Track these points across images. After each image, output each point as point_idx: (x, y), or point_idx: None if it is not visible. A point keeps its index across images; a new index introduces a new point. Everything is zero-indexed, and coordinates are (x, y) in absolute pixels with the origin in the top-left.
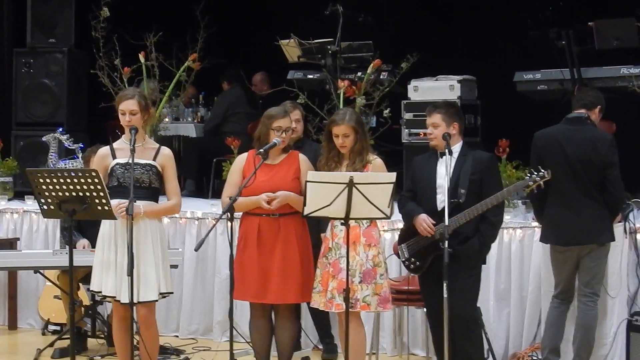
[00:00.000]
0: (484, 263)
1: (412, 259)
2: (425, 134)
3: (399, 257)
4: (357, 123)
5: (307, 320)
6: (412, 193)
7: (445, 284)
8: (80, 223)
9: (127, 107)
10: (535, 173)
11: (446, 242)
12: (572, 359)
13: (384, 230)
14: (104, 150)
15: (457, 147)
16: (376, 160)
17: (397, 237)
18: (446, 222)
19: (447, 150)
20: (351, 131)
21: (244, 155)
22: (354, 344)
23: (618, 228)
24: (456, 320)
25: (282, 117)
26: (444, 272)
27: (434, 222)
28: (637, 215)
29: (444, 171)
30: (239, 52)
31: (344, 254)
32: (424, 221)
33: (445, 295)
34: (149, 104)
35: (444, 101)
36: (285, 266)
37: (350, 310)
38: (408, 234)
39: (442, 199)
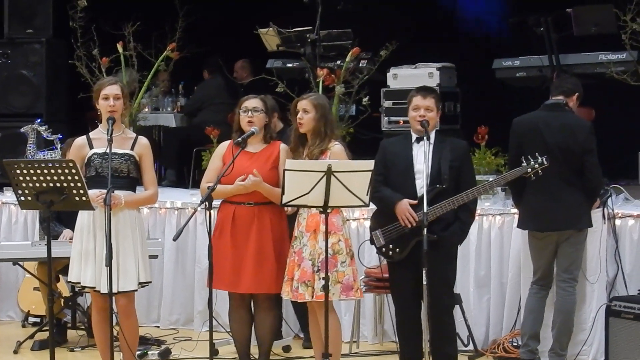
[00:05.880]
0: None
1: (391, 246)
2: (405, 121)
3: (372, 244)
4: (320, 104)
5: (288, 310)
6: (383, 177)
7: (424, 271)
8: (59, 214)
9: (112, 92)
10: (533, 160)
11: (425, 229)
12: (552, 344)
13: (364, 218)
14: (81, 140)
15: (433, 133)
16: (335, 147)
17: None
18: (425, 209)
19: (424, 136)
20: (311, 108)
21: (225, 143)
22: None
23: (596, 214)
24: (435, 308)
25: (247, 99)
26: (423, 259)
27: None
28: (615, 201)
29: (422, 157)
30: (218, 42)
31: (306, 243)
32: (407, 210)
33: (424, 283)
34: (128, 93)
35: (430, 87)
36: (259, 256)
37: (311, 300)
38: (383, 219)
39: (421, 185)
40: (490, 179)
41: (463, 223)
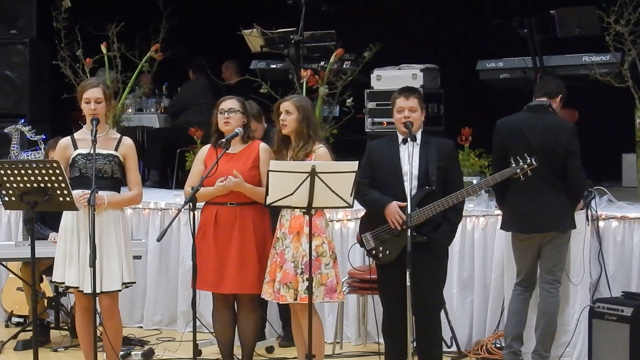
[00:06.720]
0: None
1: (381, 248)
2: (388, 122)
3: (362, 247)
4: (303, 106)
5: (271, 311)
6: (370, 180)
7: (408, 272)
8: (43, 215)
9: (93, 95)
10: (522, 161)
11: (408, 230)
12: (535, 346)
13: (347, 220)
14: (65, 140)
15: (419, 134)
16: (320, 150)
17: None
18: (409, 210)
19: (409, 138)
20: (294, 109)
21: (207, 146)
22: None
23: (580, 215)
24: (424, 310)
25: (223, 100)
26: (407, 260)
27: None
28: (599, 202)
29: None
30: (202, 43)
31: (289, 244)
32: (396, 212)
33: (408, 284)
34: (111, 94)
35: (412, 87)
36: (242, 256)
37: (294, 302)
38: (372, 222)
39: (410, 186)
40: (478, 181)
41: (452, 223)
